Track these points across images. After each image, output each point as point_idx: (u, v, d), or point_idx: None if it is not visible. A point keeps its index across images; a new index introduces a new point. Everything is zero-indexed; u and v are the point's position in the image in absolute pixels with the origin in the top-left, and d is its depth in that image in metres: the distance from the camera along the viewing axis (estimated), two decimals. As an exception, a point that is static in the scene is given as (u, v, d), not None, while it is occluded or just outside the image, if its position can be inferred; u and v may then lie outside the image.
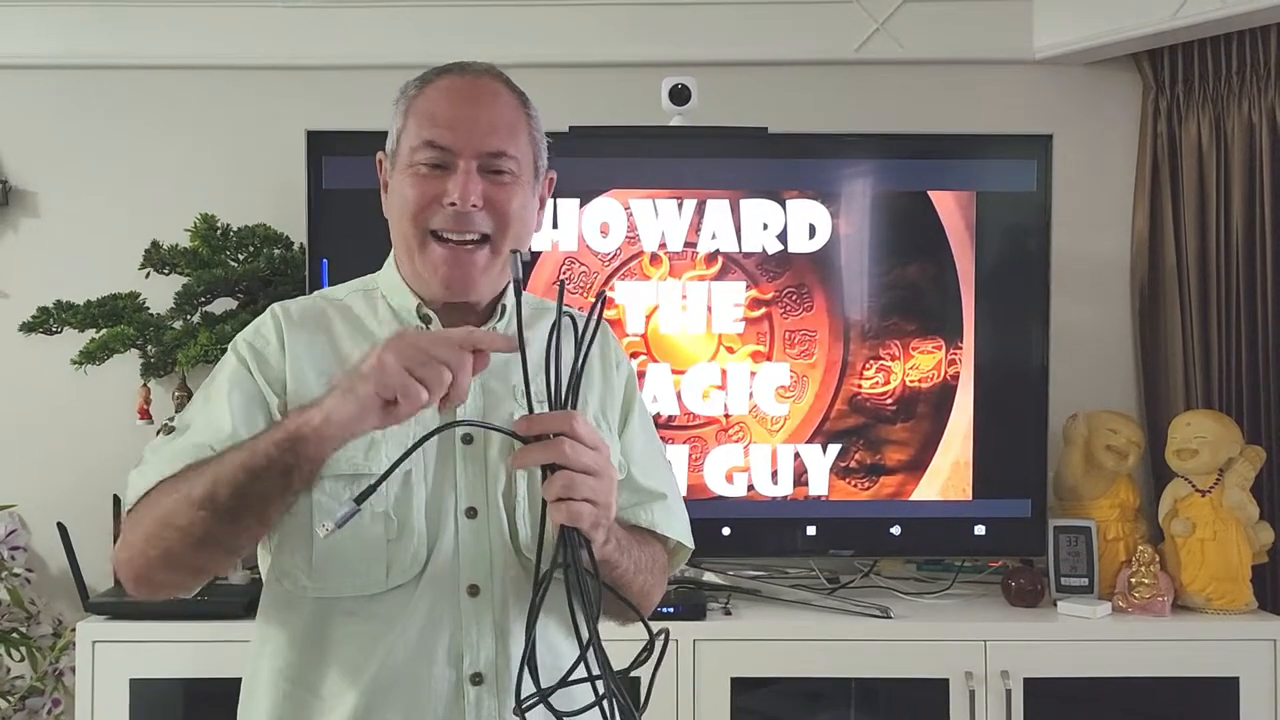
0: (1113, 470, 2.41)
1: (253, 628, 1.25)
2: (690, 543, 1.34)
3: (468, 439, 1.20)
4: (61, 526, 2.34)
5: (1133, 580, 2.29)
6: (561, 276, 2.34)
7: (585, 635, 1.08)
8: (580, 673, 1.08)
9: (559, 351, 1.10)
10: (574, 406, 1.11)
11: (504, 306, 1.26)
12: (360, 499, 1.07)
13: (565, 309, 1.12)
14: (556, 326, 1.11)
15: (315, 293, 1.34)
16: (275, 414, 1.19)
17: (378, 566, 1.16)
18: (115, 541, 2.28)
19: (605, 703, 1.07)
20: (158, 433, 1.23)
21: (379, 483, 1.08)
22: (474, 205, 1.18)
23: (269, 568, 1.23)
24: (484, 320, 1.25)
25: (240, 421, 1.17)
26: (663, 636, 1.13)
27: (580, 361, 1.12)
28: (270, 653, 1.22)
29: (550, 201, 2.33)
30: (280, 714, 1.20)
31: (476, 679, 1.16)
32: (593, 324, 1.12)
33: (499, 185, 1.20)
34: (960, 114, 2.63)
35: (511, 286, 1.16)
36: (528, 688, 1.08)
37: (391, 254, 1.29)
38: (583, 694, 1.09)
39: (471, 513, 1.19)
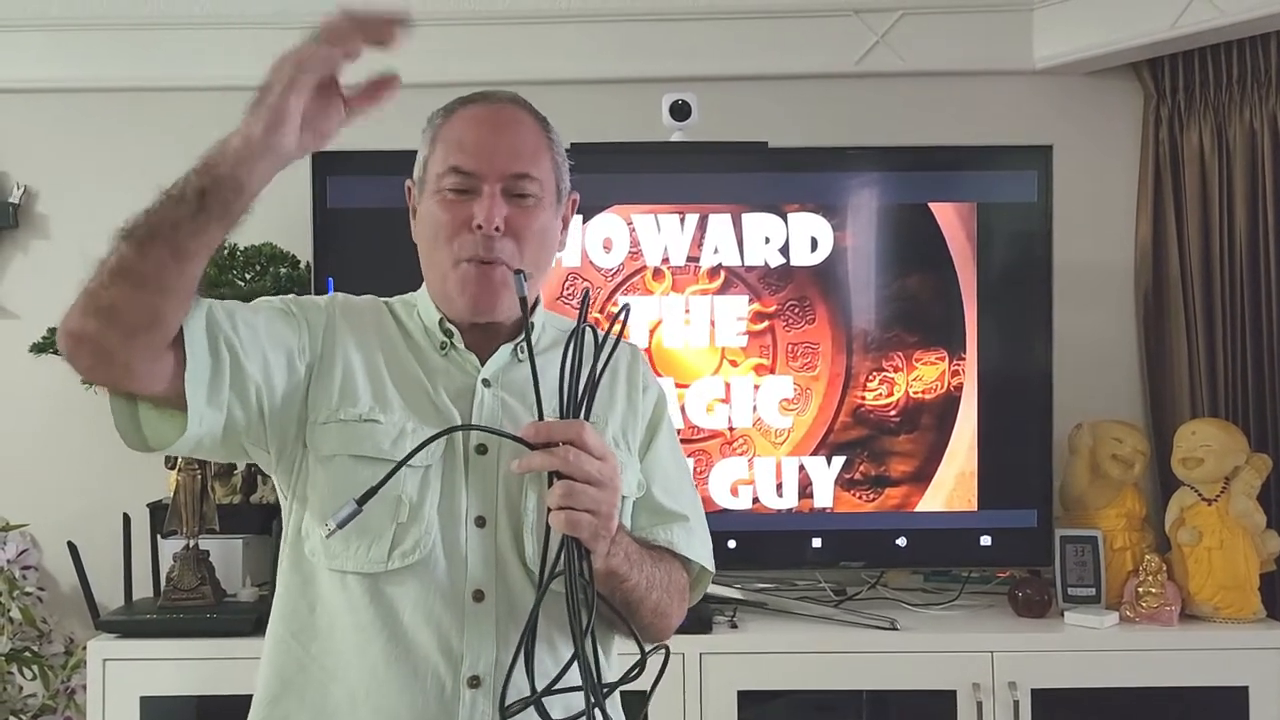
0: (1118, 479, 2.40)
1: (262, 645, 1.27)
2: (711, 566, 1.35)
3: (481, 449, 1.23)
4: (72, 545, 2.36)
5: (1140, 590, 2.29)
6: (566, 291, 2.35)
7: (577, 646, 1.09)
8: (569, 681, 1.10)
9: (577, 362, 1.14)
10: (586, 417, 1.14)
11: (531, 325, 1.29)
12: (362, 500, 1.13)
13: (588, 325, 1.17)
14: (574, 336, 1.16)
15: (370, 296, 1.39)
16: (300, 356, 1.23)
17: (383, 544, 1.19)
18: (126, 560, 2.33)
19: (588, 716, 1.08)
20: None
21: (380, 485, 1.14)
22: (498, 229, 1.22)
23: (291, 528, 1.26)
24: (509, 338, 1.30)
25: (265, 321, 1.22)
26: (662, 653, 1.14)
27: (598, 371, 1.16)
28: (284, 615, 1.25)
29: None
30: (287, 675, 1.23)
31: (474, 682, 1.18)
32: (613, 335, 1.16)
33: (522, 209, 1.25)
34: (961, 126, 2.64)
35: (516, 303, 1.23)
36: (519, 693, 1.10)
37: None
38: (577, 703, 1.10)
39: (480, 522, 1.22)
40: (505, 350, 1.28)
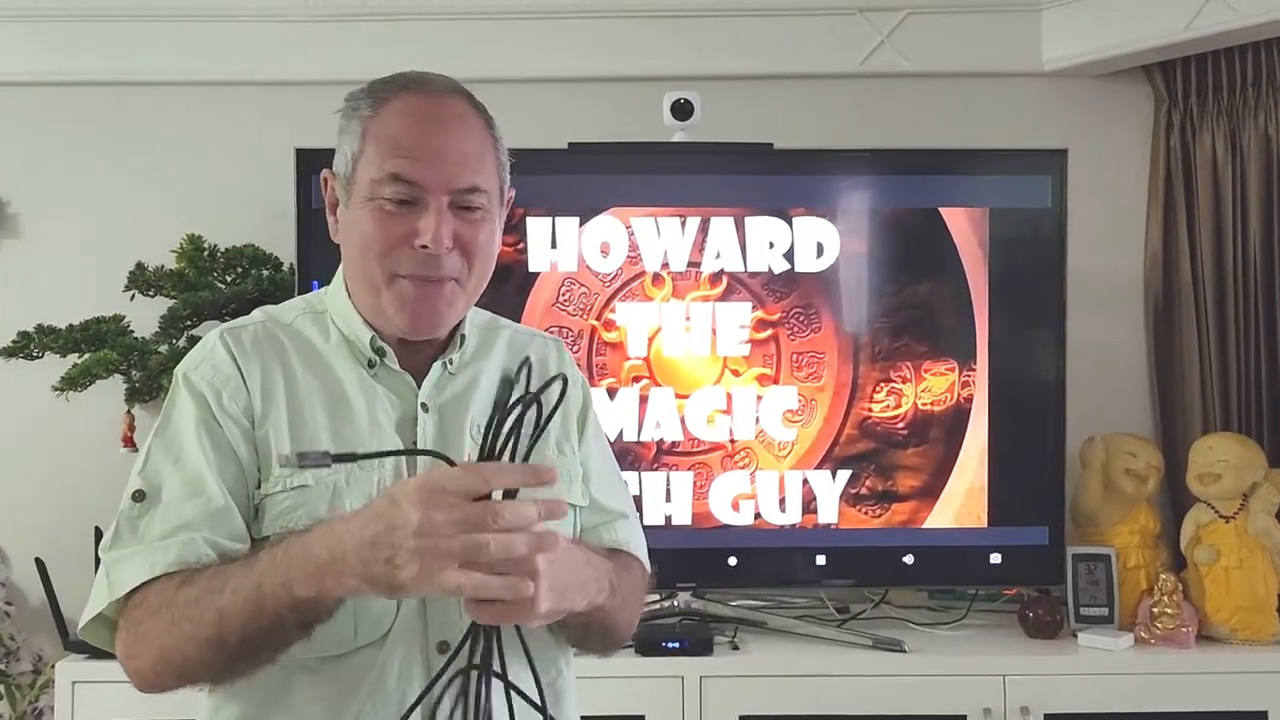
0: (1132, 495, 2.33)
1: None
2: (648, 563, 1.30)
3: None
4: (40, 562, 2.25)
5: (1155, 610, 2.21)
6: (562, 297, 2.26)
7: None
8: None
9: (517, 433, 0.96)
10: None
11: (462, 336, 1.20)
12: (339, 459, 0.98)
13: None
14: (504, 410, 0.97)
15: (259, 311, 1.23)
16: (241, 454, 1.11)
17: (345, 626, 1.07)
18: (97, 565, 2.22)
19: None
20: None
21: (368, 457, 1.02)
22: (447, 248, 1.11)
23: None
24: (440, 351, 1.19)
25: (225, 488, 1.10)
26: None
27: (540, 426, 0.99)
28: (228, 718, 1.13)
29: (549, 220, 2.28)
30: None
31: None
32: (553, 402, 0.99)
33: (470, 223, 1.13)
34: (968, 128, 2.57)
35: (456, 319, 1.18)
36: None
37: (340, 275, 1.21)
38: None
39: None
40: (437, 367, 1.18)
